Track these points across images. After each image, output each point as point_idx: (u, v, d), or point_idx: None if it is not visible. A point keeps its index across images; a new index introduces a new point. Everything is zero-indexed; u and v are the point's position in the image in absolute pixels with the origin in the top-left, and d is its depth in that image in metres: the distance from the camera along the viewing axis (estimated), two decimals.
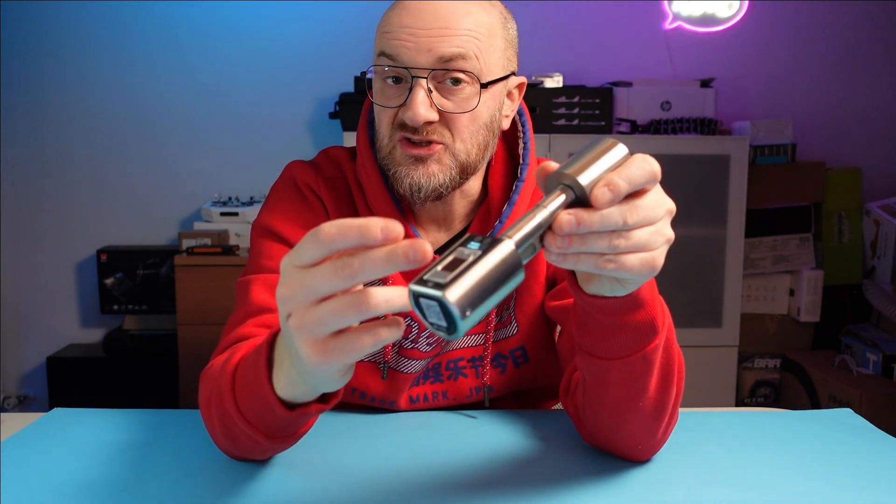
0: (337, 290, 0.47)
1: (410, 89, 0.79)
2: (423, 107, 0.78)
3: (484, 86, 0.80)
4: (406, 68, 0.78)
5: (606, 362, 0.66)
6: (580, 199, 0.51)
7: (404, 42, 0.78)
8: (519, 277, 0.46)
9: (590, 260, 0.52)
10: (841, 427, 0.88)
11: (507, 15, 0.86)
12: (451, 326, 0.44)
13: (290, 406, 0.60)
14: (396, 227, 0.45)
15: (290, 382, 0.58)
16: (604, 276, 0.58)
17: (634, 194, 0.52)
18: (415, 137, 0.80)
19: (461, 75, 0.79)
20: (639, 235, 0.52)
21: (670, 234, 0.55)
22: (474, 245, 0.46)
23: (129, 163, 2.73)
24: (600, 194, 0.50)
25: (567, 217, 0.50)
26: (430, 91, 0.79)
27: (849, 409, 0.95)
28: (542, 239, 0.51)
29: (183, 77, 2.70)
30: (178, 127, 2.73)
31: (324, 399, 0.61)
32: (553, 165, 0.53)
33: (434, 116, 0.79)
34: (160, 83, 2.70)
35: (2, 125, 2.68)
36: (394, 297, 0.47)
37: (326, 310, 0.47)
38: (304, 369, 0.53)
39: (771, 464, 0.76)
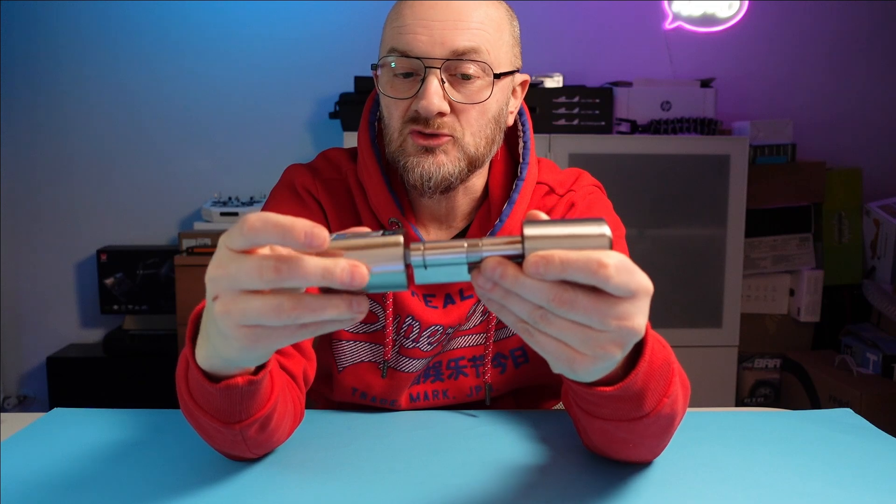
0: (260, 289, 0.47)
1: (423, 80, 0.79)
2: (437, 96, 0.78)
3: (496, 76, 0.81)
4: (420, 59, 0.79)
5: (589, 417, 0.66)
6: (524, 258, 0.47)
7: (418, 35, 0.79)
8: (397, 278, 0.47)
9: (510, 317, 0.49)
10: (841, 427, 0.88)
11: (512, 13, 0.87)
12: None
13: (216, 379, 0.60)
14: (321, 233, 0.45)
15: (206, 355, 0.58)
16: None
17: (604, 293, 0.46)
18: (426, 130, 0.81)
19: (473, 67, 0.79)
20: (565, 329, 0.47)
21: (612, 353, 0.48)
22: (386, 232, 0.48)
23: (129, 163, 2.73)
24: (532, 261, 0.46)
25: (493, 263, 0.47)
26: (442, 82, 0.79)
27: (849, 409, 0.95)
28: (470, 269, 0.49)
29: (183, 77, 2.70)
30: (178, 127, 2.73)
31: (255, 371, 0.61)
32: (541, 217, 0.50)
33: (447, 108, 0.80)
34: (160, 83, 2.70)
35: (2, 125, 2.68)
36: (327, 307, 0.47)
37: (251, 306, 0.47)
38: (220, 346, 0.53)
39: (771, 464, 0.76)
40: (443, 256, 0.48)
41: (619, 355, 0.48)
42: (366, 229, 0.50)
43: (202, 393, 0.62)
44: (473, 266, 0.48)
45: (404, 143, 0.83)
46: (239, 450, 0.70)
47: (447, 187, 0.83)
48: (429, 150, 0.81)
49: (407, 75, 0.81)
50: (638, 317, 0.47)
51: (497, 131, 0.86)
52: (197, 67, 2.70)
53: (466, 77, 0.80)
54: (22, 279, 2.75)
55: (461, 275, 0.49)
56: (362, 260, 0.46)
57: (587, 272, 0.45)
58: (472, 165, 0.84)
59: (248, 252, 0.47)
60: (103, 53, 2.68)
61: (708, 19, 2.79)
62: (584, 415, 0.67)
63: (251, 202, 2.61)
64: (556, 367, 0.50)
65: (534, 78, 2.48)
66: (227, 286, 0.48)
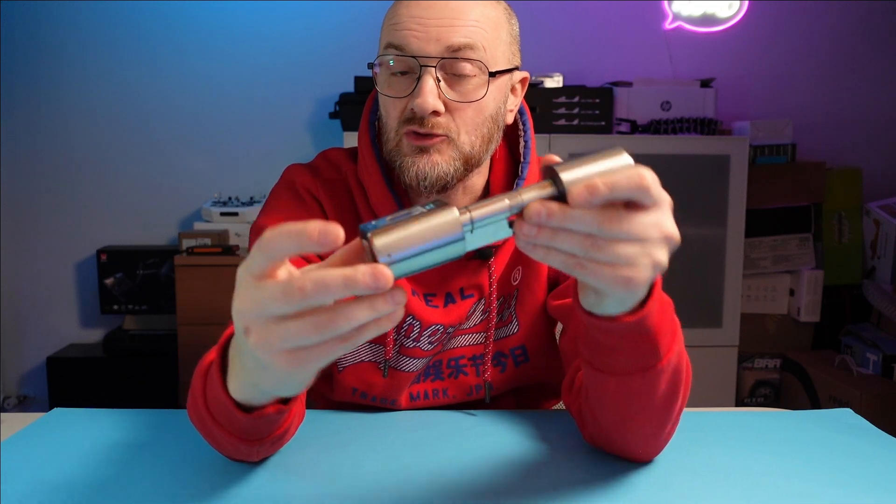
0: (289, 313, 0.46)
1: (419, 79, 0.79)
2: (431, 95, 0.78)
3: (492, 74, 0.80)
4: (415, 57, 0.79)
5: (605, 375, 0.66)
6: (563, 196, 0.49)
7: (413, 32, 0.79)
8: (457, 247, 0.48)
9: (559, 257, 0.51)
10: (841, 427, 0.88)
11: (511, 11, 0.87)
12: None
13: (248, 409, 0.60)
14: (335, 230, 0.44)
15: (240, 386, 0.57)
16: (588, 289, 0.57)
17: (631, 208, 0.50)
18: (421, 130, 0.81)
19: (469, 65, 0.79)
20: (617, 249, 0.50)
21: (662, 259, 0.51)
22: (430, 206, 0.47)
23: (129, 163, 2.73)
24: (576, 192, 0.48)
25: (537, 206, 0.49)
26: (437, 81, 0.79)
27: (849, 409, 0.95)
28: (510, 224, 0.50)
29: (183, 77, 2.70)
30: (178, 127, 2.73)
31: (283, 399, 0.61)
32: (556, 159, 0.52)
33: (441, 106, 0.79)
34: (160, 83, 2.70)
35: (2, 125, 2.68)
36: (361, 317, 0.46)
37: (288, 329, 0.46)
38: (259, 377, 0.53)
39: (771, 464, 0.76)
40: (488, 215, 0.49)
41: (665, 262, 0.52)
42: (404, 211, 0.49)
43: (227, 418, 0.62)
44: (513, 221, 0.50)
45: (400, 142, 0.83)
46: (245, 456, 0.71)
47: (443, 186, 0.83)
48: (423, 150, 0.81)
49: (404, 73, 0.81)
50: (672, 223, 0.52)
51: (495, 130, 0.85)
52: (197, 67, 2.70)
53: (463, 75, 0.80)
54: (22, 279, 2.75)
55: (502, 231, 0.50)
56: (423, 239, 0.46)
57: (632, 186, 0.49)
58: (469, 164, 0.84)
59: (269, 276, 0.47)
60: (103, 53, 2.68)
61: (708, 19, 2.79)
62: (599, 375, 0.66)
63: (251, 202, 2.61)
64: (615, 292, 0.53)
65: (534, 78, 2.48)
66: (256, 316, 0.47)
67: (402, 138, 0.82)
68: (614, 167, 0.50)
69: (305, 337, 0.46)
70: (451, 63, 0.79)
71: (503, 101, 0.86)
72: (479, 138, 0.83)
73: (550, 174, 0.51)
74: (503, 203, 0.49)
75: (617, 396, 0.67)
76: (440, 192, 0.85)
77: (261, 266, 0.46)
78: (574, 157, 0.51)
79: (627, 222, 0.49)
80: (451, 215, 0.47)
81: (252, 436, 0.65)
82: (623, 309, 0.57)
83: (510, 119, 0.89)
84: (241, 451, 0.69)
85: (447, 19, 0.79)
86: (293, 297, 0.45)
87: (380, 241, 0.45)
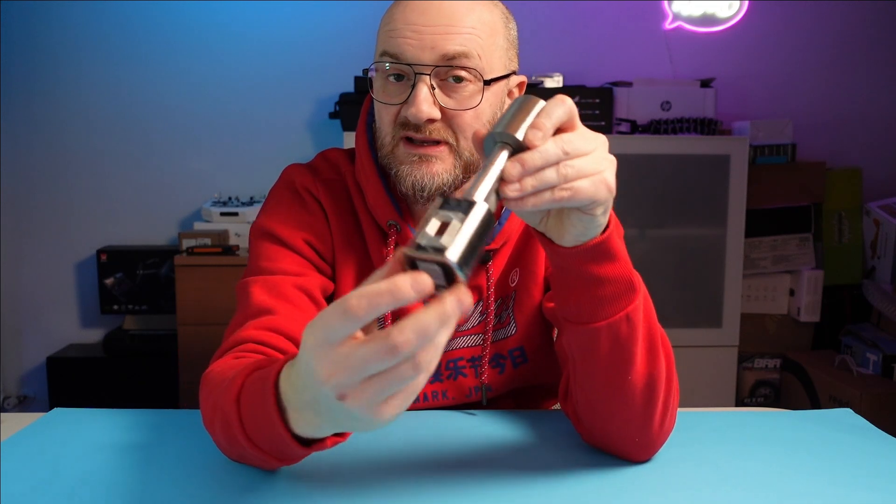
0: (389, 366, 0.45)
1: (413, 86, 0.79)
2: (426, 103, 0.78)
3: (487, 83, 0.80)
4: (409, 65, 0.78)
5: (592, 326, 0.67)
6: (517, 150, 0.57)
7: (408, 39, 0.78)
8: (491, 224, 0.52)
9: (545, 195, 0.57)
10: (841, 427, 0.88)
11: (509, 15, 0.86)
12: (452, 283, 0.48)
13: (307, 442, 0.59)
14: (424, 280, 0.43)
15: (316, 427, 0.55)
16: (573, 217, 0.61)
17: (561, 132, 0.58)
18: (416, 136, 0.80)
19: (464, 73, 0.79)
20: (582, 162, 0.57)
21: (611, 157, 0.60)
22: (451, 209, 0.50)
23: (129, 163, 2.73)
24: (532, 136, 0.56)
25: (512, 163, 0.55)
26: (432, 88, 0.79)
27: (849, 409, 0.95)
28: (497, 193, 0.56)
29: (183, 77, 2.70)
30: (178, 127, 2.72)
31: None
32: (482, 131, 0.59)
33: (436, 114, 0.79)
34: (160, 83, 2.70)
35: (2, 125, 2.68)
36: (441, 344, 0.45)
37: (386, 383, 0.45)
38: (349, 425, 0.52)
39: (771, 464, 0.76)
40: (483, 186, 0.54)
41: (612, 157, 0.61)
42: (433, 223, 0.49)
43: (278, 448, 0.60)
44: (496, 196, 0.56)
45: (395, 148, 0.83)
46: (265, 467, 0.71)
47: (442, 195, 0.83)
48: (423, 159, 0.81)
49: (399, 78, 0.81)
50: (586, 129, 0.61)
51: None
52: (197, 67, 2.70)
53: (458, 80, 0.79)
54: (22, 279, 2.75)
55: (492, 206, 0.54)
56: (480, 237, 0.49)
57: (565, 111, 0.58)
58: (468, 171, 0.84)
59: (354, 338, 0.45)
60: (103, 53, 2.68)
61: (708, 19, 2.79)
62: (585, 330, 0.68)
63: (251, 202, 2.61)
64: (600, 197, 0.59)
65: (534, 78, 2.48)
66: (354, 380, 0.45)
67: (399, 143, 0.82)
68: (538, 109, 0.58)
69: (402, 383, 0.45)
70: (446, 70, 0.79)
71: (500, 106, 0.85)
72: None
73: (493, 140, 0.58)
74: (488, 175, 0.55)
75: (606, 349, 0.68)
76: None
77: (345, 333, 0.45)
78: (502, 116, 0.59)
79: (575, 140, 0.57)
80: (484, 209, 0.50)
81: (287, 458, 0.63)
82: (594, 234, 0.64)
83: None
84: (263, 466, 0.68)
85: (442, 26, 0.78)
86: (398, 351, 0.43)
87: (454, 255, 0.47)
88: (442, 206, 0.50)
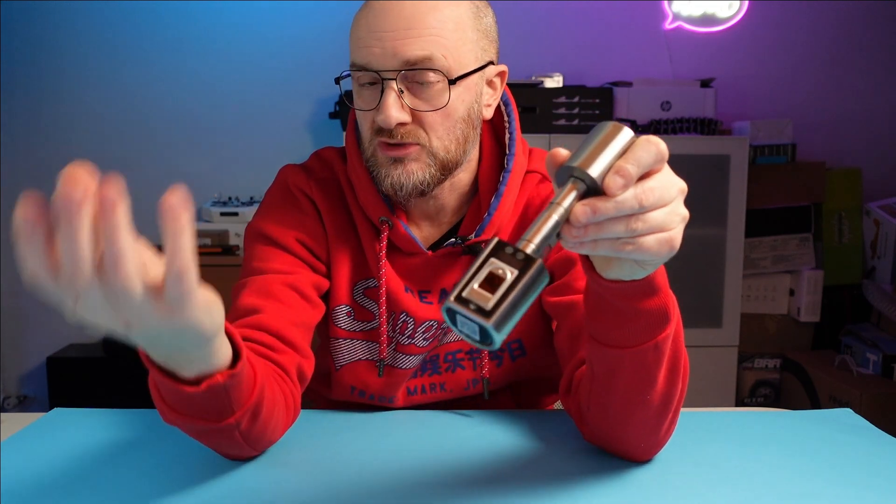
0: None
1: (382, 92, 0.80)
2: (393, 108, 0.79)
3: (452, 82, 0.80)
4: (376, 72, 0.79)
5: (619, 351, 0.66)
6: (592, 189, 0.51)
7: (372, 48, 0.79)
8: (544, 283, 0.49)
9: (606, 244, 0.53)
10: (841, 427, 0.88)
11: (481, 5, 0.85)
12: (486, 342, 0.47)
13: (196, 382, 0.59)
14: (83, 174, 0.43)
15: (162, 362, 0.57)
16: (623, 260, 0.58)
17: (645, 176, 0.53)
18: (390, 141, 0.82)
19: (430, 74, 0.79)
20: (655, 217, 0.53)
21: (685, 212, 0.55)
22: (506, 261, 0.47)
23: (129, 163, 2.72)
24: (612, 182, 0.50)
25: (582, 208, 0.50)
26: (401, 92, 0.80)
27: (849, 409, 0.95)
28: (558, 234, 0.52)
29: (183, 77, 2.70)
30: (177, 127, 2.73)
31: (233, 364, 0.60)
32: (562, 154, 0.53)
33: (406, 118, 0.80)
34: (160, 83, 2.70)
35: (1, 125, 2.68)
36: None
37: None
38: (145, 346, 0.54)
39: (771, 464, 0.76)
40: (543, 237, 0.50)
41: (686, 213, 0.56)
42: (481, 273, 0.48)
43: (183, 401, 0.61)
44: (556, 236, 0.52)
45: (374, 152, 0.84)
46: (237, 447, 0.70)
47: (421, 192, 0.84)
48: (398, 160, 0.82)
49: (372, 84, 0.82)
50: (672, 174, 0.55)
51: (469, 129, 0.85)
52: (197, 67, 2.70)
53: (425, 83, 0.80)
54: (22, 279, 2.74)
55: (552, 242, 0.51)
56: (526, 300, 0.47)
57: (655, 158, 0.52)
58: (446, 168, 0.84)
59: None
60: (103, 53, 2.68)
61: (708, 19, 2.79)
62: (612, 353, 0.66)
63: (251, 202, 2.61)
64: (660, 257, 0.55)
65: (534, 78, 2.48)
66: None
67: (377, 148, 0.84)
68: (624, 144, 0.52)
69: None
70: (412, 73, 0.79)
71: (475, 99, 0.85)
72: (453, 141, 0.84)
73: (567, 172, 0.52)
74: (552, 221, 0.51)
75: (629, 372, 0.67)
76: (420, 197, 0.85)
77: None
78: (579, 148, 0.53)
79: (657, 191, 0.52)
80: (540, 269, 0.48)
81: (221, 415, 0.63)
82: (640, 276, 0.60)
83: (488, 114, 0.89)
84: (224, 439, 0.67)
85: (402, 31, 0.78)
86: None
87: (496, 322, 0.46)
88: (496, 252, 0.48)
